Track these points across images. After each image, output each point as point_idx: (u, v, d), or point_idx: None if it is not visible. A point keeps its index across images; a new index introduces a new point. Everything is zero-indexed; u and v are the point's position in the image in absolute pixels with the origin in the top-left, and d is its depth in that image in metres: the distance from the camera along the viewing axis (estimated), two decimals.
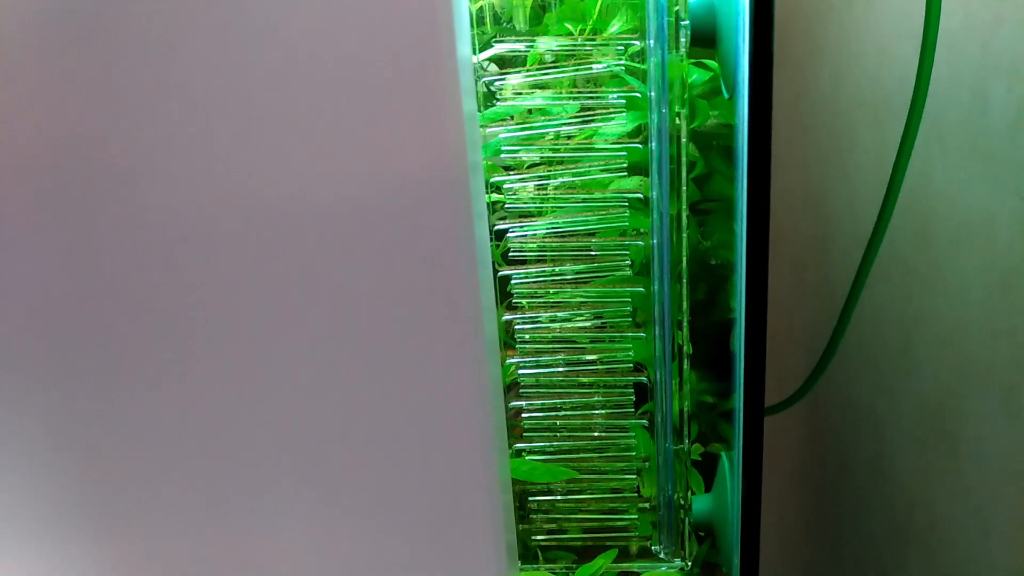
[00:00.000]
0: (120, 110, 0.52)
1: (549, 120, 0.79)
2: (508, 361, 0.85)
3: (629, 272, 0.81)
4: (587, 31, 0.81)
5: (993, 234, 0.81)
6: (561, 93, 0.79)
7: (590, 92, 0.78)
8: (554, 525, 0.90)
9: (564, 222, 0.81)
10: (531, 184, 0.80)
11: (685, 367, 0.83)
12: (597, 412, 0.85)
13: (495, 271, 0.82)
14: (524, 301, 0.83)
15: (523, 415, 0.86)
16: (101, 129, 0.52)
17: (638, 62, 0.78)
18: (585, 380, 0.85)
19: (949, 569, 0.96)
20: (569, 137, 0.81)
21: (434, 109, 0.52)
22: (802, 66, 1.20)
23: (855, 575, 1.22)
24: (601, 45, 0.77)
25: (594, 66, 0.77)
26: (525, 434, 0.86)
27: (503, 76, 0.79)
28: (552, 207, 0.81)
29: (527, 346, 0.84)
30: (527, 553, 0.91)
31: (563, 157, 0.80)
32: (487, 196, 0.80)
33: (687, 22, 0.74)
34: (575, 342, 0.84)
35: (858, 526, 1.20)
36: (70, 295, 0.55)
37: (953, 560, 0.94)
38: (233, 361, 0.56)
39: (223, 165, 0.53)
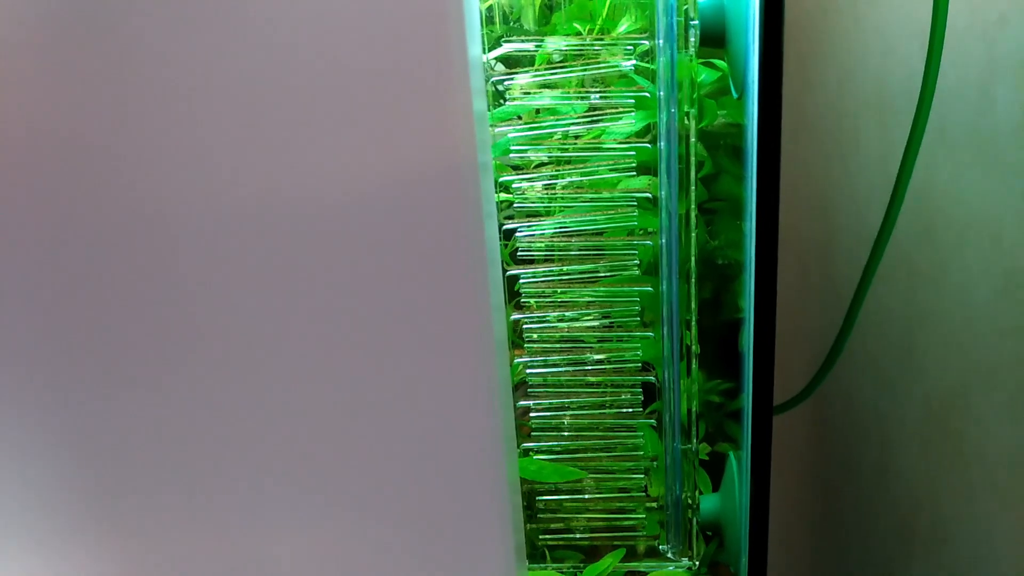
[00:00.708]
0: (127, 108, 0.52)
1: (558, 120, 0.79)
2: (516, 360, 0.85)
3: (637, 271, 0.81)
4: (595, 31, 0.81)
5: (999, 234, 0.82)
6: (569, 93, 0.79)
7: (599, 92, 0.79)
8: (561, 524, 0.90)
9: (572, 222, 0.81)
10: (539, 184, 0.81)
11: (693, 367, 0.83)
12: (605, 411, 0.86)
13: (503, 270, 0.83)
14: (532, 300, 0.83)
15: (531, 414, 0.87)
16: (110, 123, 0.52)
17: (647, 61, 0.79)
18: (593, 379, 0.85)
19: (954, 569, 0.97)
20: (577, 137, 0.81)
21: (445, 109, 0.52)
22: (807, 66, 1.20)
23: (859, 575, 1.23)
24: (610, 45, 0.78)
25: (603, 66, 0.78)
26: (533, 433, 0.87)
27: (512, 76, 0.80)
28: (560, 207, 0.82)
29: (535, 345, 0.85)
30: (535, 552, 0.91)
31: (571, 157, 0.81)
32: (495, 195, 0.80)
33: (696, 22, 0.74)
34: (583, 341, 0.85)
35: (863, 525, 1.21)
36: (73, 293, 0.56)
37: (958, 560, 0.95)
38: (242, 361, 0.57)
39: (235, 166, 0.53)
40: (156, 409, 0.58)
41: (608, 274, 0.82)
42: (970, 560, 0.93)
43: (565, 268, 0.82)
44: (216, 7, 0.50)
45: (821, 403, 1.29)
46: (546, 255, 0.83)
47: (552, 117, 0.80)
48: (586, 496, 0.88)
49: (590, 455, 0.87)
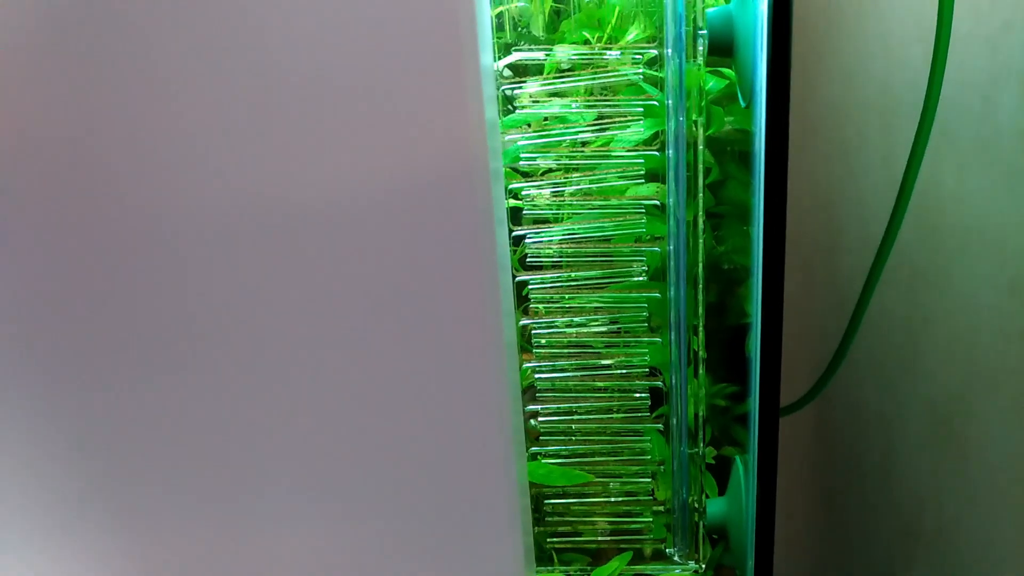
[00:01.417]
0: (136, 106, 0.53)
1: (567, 128, 0.80)
2: (524, 365, 0.86)
3: (644, 278, 0.83)
4: (604, 39, 0.82)
5: (1003, 239, 0.83)
6: (578, 101, 0.80)
7: (607, 100, 0.80)
8: (569, 527, 0.92)
9: (581, 228, 0.82)
10: (548, 190, 0.82)
11: (701, 371, 0.84)
12: (612, 416, 0.87)
13: (512, 276, 0.84)
14: (541, 306, 0.85)
15: (539, 419, 0.88)
16: (128, 120, 0.53)
17: (655, 69, 0.80)
18: (600, 384, 0.86)
19: (957, 571, 0.98)
20: (584, 144, 0.82)
21: (458, 116, 0.53)
22: (811, 68, 1.21)
23: None
24: (617, 52, 0.79)
25: (611, 75, 0.79)
26: (541, 437, 0.88)
27: (521, 83, 0.81)
28: (568, 213, 0.83)
29: (543, 351, 0.86)
30: (542, 555, 0.92)
31: (580, 164, 0.82)
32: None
33: (705, 31, 0.76)
34: (591, 347, 0.86)
35: (866, 528, 1.22)
36: (85, 292, 0.56)
37: (961, 562, 0.96)
38: (253, 363, 0.58)
39: (250, 174, 0.54)
40: (171, 410, 0.59)
41: (616, 280, 0.83)
42: (973, 562, 0.94)
43: (573, 274, 0.83)
44: (231, 17, 0.51)
45: (825, 405, 1.30)
46: (554, 261, 0.84)
47: (561, 125, 0.81)
48: (593, 500, 0.89)
49: (597, 459, 0.88)
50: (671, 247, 0.80)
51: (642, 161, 0.79)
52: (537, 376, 0.86)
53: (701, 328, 0.84)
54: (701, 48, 0.76)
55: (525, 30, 0.80)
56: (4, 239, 0.55)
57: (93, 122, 0.53)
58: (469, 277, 0.56)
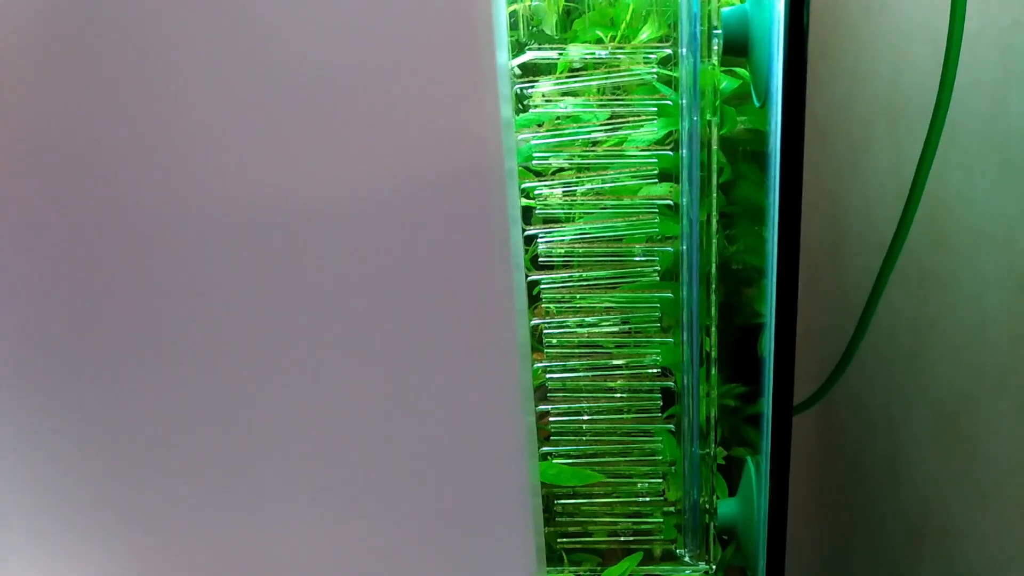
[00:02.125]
0: (149, 103, 0.53)
1: (580, 127, 0.81)
2: (535, 365, 0.87)
3: (657, 278, 0.83)
4: (617, 38, 0.83)
5: (1011, 239, 0.83)
6: (591, 100, 0.81)
7: (621, 100, 0.80)
8: (579, 528, 0.92)
9: (593, 228, 0.83)
10: (560, 190, 0.83)
11: (712, 372, 0.85)
12: (623, 416, 0.88)
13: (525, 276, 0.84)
14: (552, 306, 0.85)
15: (550, 419, 0.88)
16: (142, 114, 0.53)
17: (668, 68, 0.81)
18: (612, 384, 0.87)
19: (964, 572, 0.98)
20: (595, 143, 0.83)
21: (474, 116, 0.53)
22: (818, 68, 1.22)
23: None
24: (631, 53, 0.80)
25: (625, 74, 0.79)
26: (552, 437, 0.89)
27: (534, 82, 0.81)
28: (581, 213, 0.84)
29: (554, 350, 0.87)
30: (552, 555, 0.93)
31: (593, 164, 0.82)
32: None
33: (719, 31, 0.76)
34: (602, 346, 0.87)
35: (872, 527, 1.23)
36: (91, 290, 0.57)
37: (968, 563, 0.97)
38: (265, 362, 0.58)
39: (266, 174, 0.54)
40: (185, 409, 0.59)
41: (628, 280, 0.84)
42: (979, 563, 0.94)
43: (585, 274, 0.84)
44: (249, 17, 0.52)
45: (832, 405, 1.31)
46: (566, 260, 0.84)
47: (574, 124, 0.81)
48: (604, 500, 0.90)
49: (608, 459, 0.89)
50: (684, 247, 0.80)
51: (655, 161, 0.80)
52: (548, 376, 0.86)
53: (714, 328, 0.84)
54: (716, 47, 0.76)
55: (538, 29, 0.81)
56: (6, 238, 0.55)
57: (102, 116, 0.53)
58: (483, 276, 0.57)
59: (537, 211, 0.83)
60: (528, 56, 0.80)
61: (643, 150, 0.80)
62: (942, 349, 0.97)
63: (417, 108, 0.53)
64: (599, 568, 0.92)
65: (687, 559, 0.91)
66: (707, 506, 0.89)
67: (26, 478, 0.61)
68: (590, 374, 0.86)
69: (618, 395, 0.86)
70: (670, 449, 0.87)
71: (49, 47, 0.52)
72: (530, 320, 0.84)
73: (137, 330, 0.57)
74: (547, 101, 0.80)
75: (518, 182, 0.79)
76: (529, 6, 0.79)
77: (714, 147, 0.78)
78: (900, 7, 0.99)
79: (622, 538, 0.91)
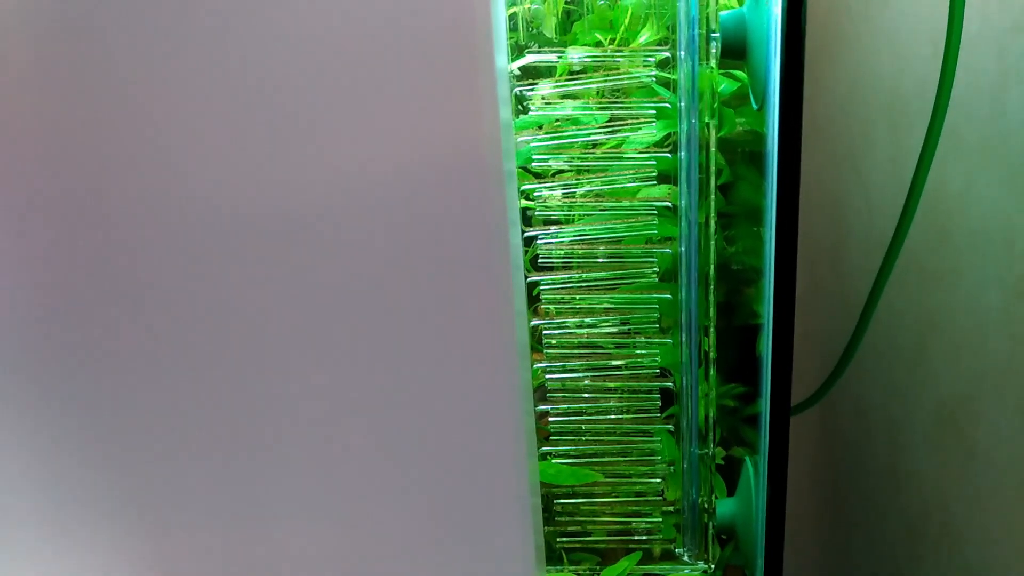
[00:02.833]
0: (150, 102, 0.54)
1: (579, 129, 0.82)
2: (535, 365, 0.88)
3: (655, 279, 0.85)
4: (616, 40, 0.84)
5: (1011, 240, 0.84)
6: (590, 103, 0.82)
7: (620, 103, 0.82)
8: (578, 527, 0.94)
9: (592, 230, 0.85)
10: (559, 191, 0.84)
11: (711, 372, 0.86)
12: (622, 417, 0.89)
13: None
14: (552, 306, 0.87)
15: (549, 419, 0.90)
16: (129, 113, 0.54)
17: (667, 71, 0.82)
18: (611, 385, 0.88)
19: (963, 572, 0.99)
20: (596, 146, 0.84)
21: (472, 118, 0.54)
22: (818, 67, 1.23)
23: None
24: (630, 56, 0.81)
25: (624, 77, 0.81)
26: (551, 437, 0.90)
27: (534, 85, 0.83)
28: (580, 215, 0.85)
29: (554, 351, 0.88)
30: (552, 555, 0.94)
31: (592, 166, 0.84)
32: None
33: (717, 34, 0.77)
34: (601, 347, 0.88)
35: (872, 528, 1.24)
36: (95, 287, 0.57)
37: (967, 564, 0.98)
38: (263, 361, 0.59)
39: (264, 176, 0.55)
40: (182, 408, 0.60)
41: (627, 281, 0.85)
42: (979, 564, 0.96)
43: (584, 275, 0.85)
44: (245, 22, 0.53)
45: (831, 405, 1.32)
46: (565, 262, 0.86)
47: (573, 127, 0.83)
48: (603, 500, 0.91)
49: (607, 459, 0.90)
50: (682, 248, 0.82)
51: (654, 163, 0.81)
52: (548, 376, 0.88)
53: (712, 329, 0.86)
54: (714, 50, 0.78)
55: (537, 31, 0.82)
56: (7, 239, 0.56)
57: (100, 115, 0.54)
58: (483, 277, 0.58)
59: (536, 213, 0.84)
60: (528, 59, 0.81)
61: (642, 152, 0.81)
62: (942, 349, 0.98)
63: (416, 110, 0.54)
64: (598, 567, 0.93)
65: (686, 558, 0.93)
66: (706, 505, 0.90)
67: (32, 477, 0.62)
68: (589, 375, 0.87)
69: (617, 395, 0.88)
70: (669, 449, 0.88)
71: (49, 45, 0.53)
72: (530, 321, 0.86)
73: (140, 329, 0.58)
74: (546, 103, 0.81)
75: (517, 184, 0.81)
76: (529, 9, 0.80)
77: (712, 149, 0.80)
78: (900, 8, 1.00)
79: (621, 537, 0.92)
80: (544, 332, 0.87)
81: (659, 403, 0.88)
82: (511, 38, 0.82)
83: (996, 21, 0.82)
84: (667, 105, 0.79)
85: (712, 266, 0.83)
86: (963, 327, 0.94)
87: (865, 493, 1.23)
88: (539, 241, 0.84)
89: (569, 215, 0.84)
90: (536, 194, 0.83)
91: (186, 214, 0.56)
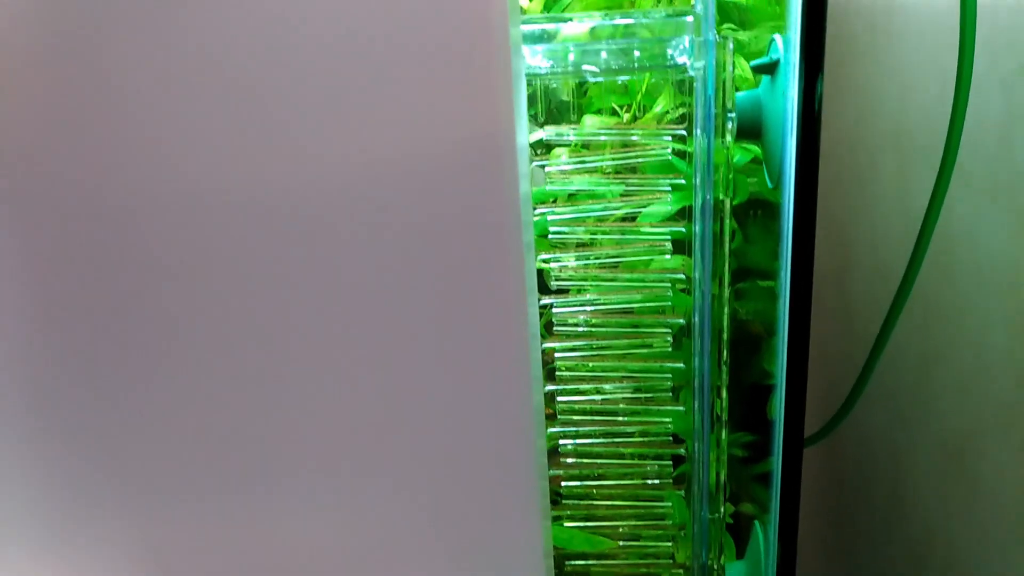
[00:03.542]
0: (151, 98, 0.55)
1: (595, 203, 0.85)
2: (548, 430, 0.91)
3: (668, 348, 0.87)
4: (632, 108, 0.86)
5: (1017, 281, 0.86)
6: (606, 177, 0.84)
7: (636, 178, 0.84)
8: None
9: (607, 299, 0.87)
10: (574, 261, 0.86)
11: (723, 437, 0.89)
12: (634, 482, 0.92)
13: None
14: (565, 372, 0.89)
15: (562, 483, 0.93)
16: (142, 105, 0.55)
17: (683, 143, 0.84)
18: (623, 451, 0.91)
19: None
20: (610, 218, 0.86)
21: (495, 196, 0.57)
22: (827, 95, 1.24)
23: None
24: (646, 133, 0.83)
25: (641, 154, 0.83)
26: (564, 500, 0.93)
27: (550, 158, 0.85)
28: (594, 284, 0.87)
29: (567, 416, 0.91)
30: None
31: (607, 239, 0.86)
32: None
33: (734, 114, 0.79)
34: (614, 413, 0.91)
35: (876, 557, 1.26)
36: (93, 287, 0.59)
37: None
38: (270, 359, 0.60)
39: (265, 173, 0.57)
40: (189, 407, 0.62)
41: (640, 349, 0.88)
42: None
43: (597, 343, 0.88)
44: (261, 20, 0.54)
45: (836, 435, 1.34)
46: (580, 329, 0.88)
47: (589, 200, 0.85)
48: (614, 562, 0.94)
49: (618, 523, 0.93)
50: (696, 319, 0.84)
51: (668, 237, 0.83)
52: (561, 441, 0.90)
53: (725, 392, 0.88)
54: (731, 127, 0.80)
55: (555, 107, 0.84)
56: (8, 238, 0.57)
57: (105, 106, 0.55)
58: (502, 344, 0.61)
59: (553, 283, 0.86)
60: (543, 134, 0.83)
61: (656, 226, 0.84)
62: (947, 383, 1.01)
63: (440, 195, 0.57)
64: None
65: None
66: (715, 567, 0.93)
67: (31, 476, 0.63)
68: (602, 440, 0.90)
69: (629, 461, 0.90)
70: (680, 512, 0.91)
71: (48, 44, 0.53)
72: (544, 386, 0.88)
73: (143, 325, 0.59)
74: (563, 175, 0.83)
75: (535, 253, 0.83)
76: (546, 86, 0.82)
77: (726, 220, 0.82)
78: (906, 43, 1.02)
79: None
80: (559, 399, 0.89)
81: (671, 469, 0.90)
82: (530, 112, 0.84)
83: (1003, 62, 0.84)
84: (682, 182, 0.81)
85: (726, 330, 0.86)
86: (968, 364, 0.96)
87: (870, 520, 1.26)
88: (555, 310, 0.86)
89: (583, 285, 0.86)
90: (552, 263, 0.85)
91: (190, 209, 0.57)
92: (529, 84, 0.81)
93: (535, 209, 0.83)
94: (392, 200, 0.57)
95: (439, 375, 0.62)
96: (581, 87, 0.85)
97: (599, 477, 0.91)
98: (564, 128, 0.83)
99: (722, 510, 0.90)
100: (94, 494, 0.64)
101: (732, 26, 0.87)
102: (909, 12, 1.02)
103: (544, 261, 0.85)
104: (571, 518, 0.92)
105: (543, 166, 0.85)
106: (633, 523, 0.92)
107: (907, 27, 1.03)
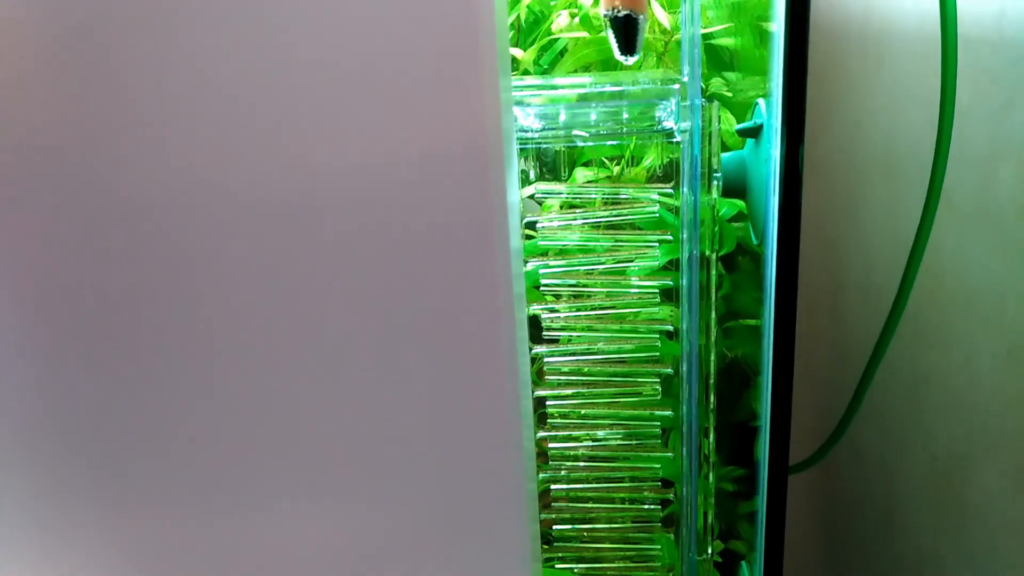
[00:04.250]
0: (149, 97, 0.56)
1: (585, 258, 0.88)
2: (540, 476, 0.95)
3: (658, 396, 0.91)
4: (622, 164, 0.90)
5: (1002, 308, 0.89)
6: (596, 233, 0.88)
7: (625, 235, 0.88)
8: None
9: (597, 348, 0.91)
10: (564, 313, 0.90)
11: (711, 479, 0.93)
12: (624, 525, 0.96)
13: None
14: (556, 419, 0.93)
15: (552, 528, 0.97)
16: (130, 106, 0.56)
17: (671, 197, 0.88)
18: (614, 496, 0.95)
19: None
20: (599, 272, 0.90)
21: (485, 250, 0.59)
22: (817, 115, 1.26)
23: None
24: (635, 191, 0.87)
25: (629, 212, 0.87)
26: (554, 543, 0.97)
27: (541, 216, 0.88)
28: (584, 334, 0.91)
29: (557, 461, 0.95)
30: None
31: (597, 292, 0.90)
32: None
33: (719, 174, 0.83)
34: (605, 459, 0.95)
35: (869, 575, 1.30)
36: (84, 285, 0.60)
37: None
38: (258, 358, 0.62)
39: (259, 171, 0.58)
40: (177, 405, 0.63)
41: (628, 398, 0.92)
42: None
43: (586, 391, 0.91)
44: (250, 16, 0.55)
45: (828, 457, 1.37)
46: (569, 378, 0.92)
47: (580, 254, 0.89)
48: None
49: (609, 566, 0.97)
50: (684, 368, 0.88)
51: (657, 290, 0.87)
52: (553, 487, 0.94)
53: (712, 435, 0.92)
54: (716, 184, 0.83)
55: (547, 167, 0.88)
56: (4, 236, 0.59)
57: (100, 105, 0.56)
58: (492, 392, 0.63)
59: (543, 333, 0.90)
60: (533, 189, 0.86)
61: (644, 279, 0.87)
62: (935, 406, 1.04)
63: (431, 250, 0.59)
64: None
65: None
66: None
67: (22, 474, 0.64)
68: (593, 486, 0.94)
69: (620, 505, 0.94)
70: (669, 553, 0.95)
71: (47, 44, 0.55)
72: (536, 433, 0.92)
73: (131, 324, 0.60)
74: (554, 231, 0.87)
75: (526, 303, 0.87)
76: (537, 145, 0.85)
77: (713, 272, 0.85)
78: (895, 71, 1.05)
79: None
80: (550, 445, 0.93)
81: (660, 512, 0.94)
82: (521, 163, 0.87)
83: (989, 96, 0.87)
84: (669, 239, 0.85)
85: (713, 376, 0.89)
86: (956, 388, 0.99)
87: (861, 541, 1.29)
88: (546, 360, 0.90)
89: (573, 336, 0.90)
90: (544, 316, 0.89)
91: (178, 205, 0.58)
92: (522, 142, 0.84)
93: (527, 262, 0.86)
94: (380, 210, 0.59)
95: (428, 420, 0.64)
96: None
97: (590, 520, 0.95)
98: (555, 186, 0.86)
99: (710, 550, 0.94)
100: (92, 496, 0.65)
101: (720, 80, 0.91)
102: (899, 42, 1.05)
103: (535, 311, 0.88)
104: (562, 560, 0.96)
105: (532, 196, 0.88)
106: (623, 565, 0.95)
107: (897, 56, 1.06)
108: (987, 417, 0.93)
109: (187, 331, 0.61)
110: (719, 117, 0.81)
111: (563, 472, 0.92)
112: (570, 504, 0.93)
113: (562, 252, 0.88)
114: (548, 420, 0.92)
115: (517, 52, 0.90)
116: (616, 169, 0.87)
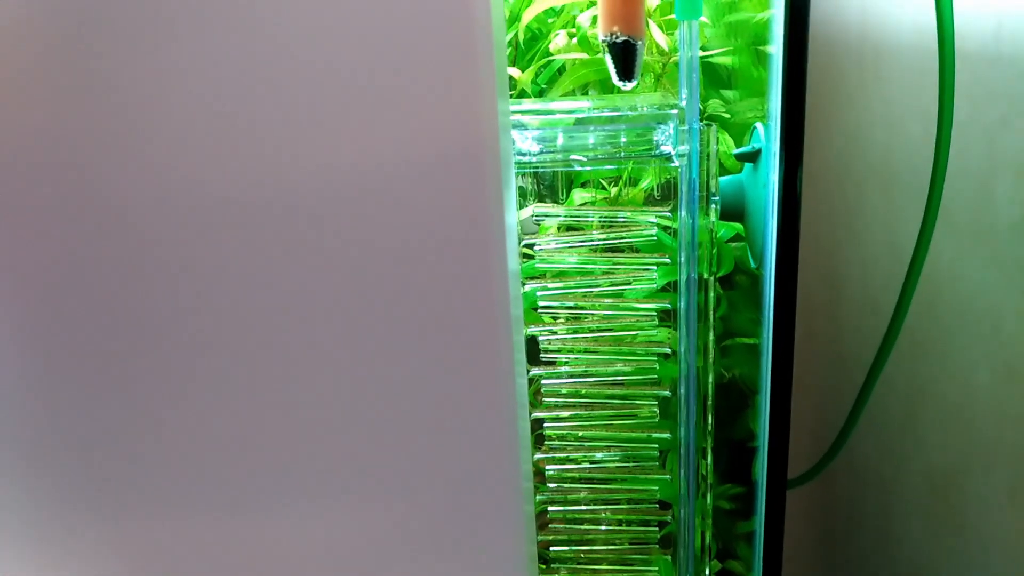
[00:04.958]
0: (146, 98, 0.57)
1: (583, 279, 0.90)
2: (537, 498, 0.96)
3: (656, 418, 0.93)
4: (620, 185, 0.91)
5: (998, 324, 0.90)
6: (594, 256, 0.89)
7: (623, 257, 0.89)
8: None
9: (595, 370, 0.92)
10: (561, 335, 0.92)
11: (708, 500, 0.95)
12: (621, 547, 0.97)
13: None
14: (554, 441, 0.95)
15: (550, 548, 0.98)
16: (126, 107, 0.57)
17: (669, 220, 0.89)
18: (610, 517, 0.97)
19: None
20: (597, 294, 0.92)
21: (483, 275, 0.60)
22: (814, 127, 1.27)
23: None
24: (633, 213, 0.88)
25: (627, 235, 0.88)
26: (552, 565, 0.99)
27: (539, 238, 0.90)
28: (582, 355, 0.93)
29: (556, 484, 0.96)
30: None
31: (595, 313, 0.91)
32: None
33: (717, 197, 0.84)
34: (603, 481, 0.96)
35: None
36: (82, 285, 0.61)
37: None
38: (256, 359, 0.62)
39: (254, 172, 0.58)
40: (174, 406, 0.63)
41: (626, 419, 0.93)
42: None
43: (584, 413, 0.93)
44: (246, 17, 0.56)
45: (825, 471, 1.39)
46: (567, 400, 0.94)
47: (578, 276, 0.90)
48: None
49: None
50: (682, 390, 0.89)
51: (655, 312, 0.89)
52: (550, 509, 0.96)
53: (710, 455, 0.93)
54: (714, 207, 0.85)
55: (545, 188, 0.89)
56: (4, 236, 0.59)
57: (97, 106, 0.57)
58: (489, 413, 0.64)
59: (542, 356, 0.92)
60: (530, 211, 0.88)
61: (641, 302, 0.89)
62: (932, 419, 1.05)
63: (429, 270, 0.60)
64: None
65: None
66: None
67: (22, 477, 0.65)
68: (590, 507, 0.95)
69: (617, 527, 0.96)
70: (666, 575, 0.97)
71: (47, 44, 0.55)
72: (533, 454, 0.94)
73: (131, 326, 0.61)
74: (552, 252, 0.88)
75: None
76: (535, 167, 0.86)
77: (711, 294, 0.87)
78: (892, 84, 1.06)
79: None
80: (547, 467, 0.95)
81: (658, 534, 0.96)
82: (519, 183, 0.88)
83: (985, 112, 0.88)
84: (667, 261, 0.86)
85: (711, 397, 0.91)
86: (952, 402, 1.01)
87: (857, 553, 1.30)
88: (544, 381, 0.91)
89: (571, 358, 0.91)
90: (541, 338, 0.90)
91: (182, 211, 0.59)
92: (520, 165, 0.85)
93: (525, 284, 0.88)
94: (378, 231, 0.60)
95: (425, 442, 0.65)
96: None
97: (587, 542, 0.96)
98: (553, 208, 0.87)
99: (707, 571, 0.96)
100: (92, 498, 0.66)
101: (718, 100, 0.92)
102: (896, 55, 1.06)
103: (533, 333, 0.90)
104: None
105: (530, 215, 0.89)
106: None
107: (894, 69, 1.06)
108: (984, 431, 0.94)
109: (185, 333, 0.62)
110: (717, 139, 0.82)
111: (561, 494, 0.93)
112: (567, 525, 0.95)
113: (560, 274, 0.89)
114: (546, 442, 0.93)
115: (515, 72, 0.92)
116: (614, 190, 0.89)
